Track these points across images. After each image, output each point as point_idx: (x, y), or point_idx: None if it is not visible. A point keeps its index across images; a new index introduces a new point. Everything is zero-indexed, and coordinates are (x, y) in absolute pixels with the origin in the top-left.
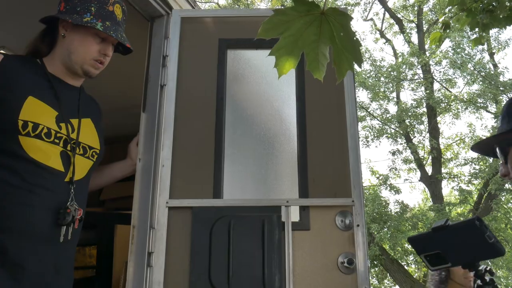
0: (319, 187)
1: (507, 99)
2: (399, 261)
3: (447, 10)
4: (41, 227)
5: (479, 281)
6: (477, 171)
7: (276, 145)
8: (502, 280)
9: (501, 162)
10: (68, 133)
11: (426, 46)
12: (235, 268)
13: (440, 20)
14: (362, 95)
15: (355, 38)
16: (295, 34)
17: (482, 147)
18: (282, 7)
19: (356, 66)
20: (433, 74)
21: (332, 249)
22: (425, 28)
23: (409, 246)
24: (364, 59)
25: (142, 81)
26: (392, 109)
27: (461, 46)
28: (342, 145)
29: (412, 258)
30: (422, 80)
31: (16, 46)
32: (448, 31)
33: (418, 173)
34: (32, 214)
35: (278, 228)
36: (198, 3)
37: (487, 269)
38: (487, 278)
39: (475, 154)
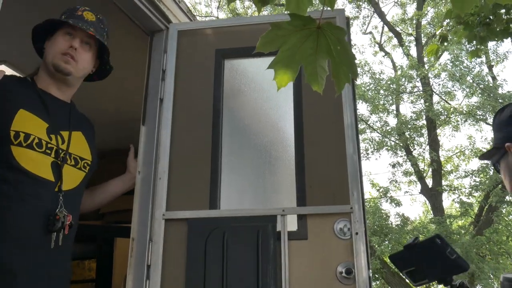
0: (316, 195)
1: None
2: (401, 274)
3: (445, 23)
4: (32, 235)
5: None
6: (478, 183)
7: (273, 154)
8: None
9: None
10: (58, 144)
11: (425, 59)
12: (230, 281)
13: (437, 32)
14: (362, 108)
15: (350, 52)
16: (293, 48)
17: (490, 156)
18: (279, 21)
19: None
20: (432, 87)
21: (330, 259)
22: (423, 41)
23: None
24: (363, 72)
25: (142, 95)
26: (392, 121)
27: (460, 58)
28: (340, 150)
29: None
30: (421, 92)
31: (17, 61)
32: (445, 43)
33: (419, 186)
34: (22, 222)
35: (273, 238)
36: (198, 17)
37: (462, 283)
38: None
39: (475, 167)
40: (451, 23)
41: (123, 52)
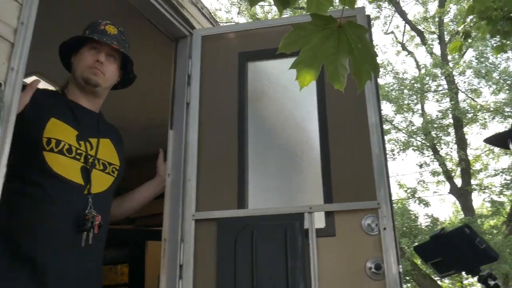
0: (343, 192)
1: None
2: (432, 276)
3: (468, 19)
4: (63, 235)
5: (483, 286)
6: (509, 181)
7: (298, 152)
8: None
9: None
10: (87, 150)
11: (449, 57)
12: (259, 279)
13: (460, 28)
14: (386, 108)
15: (372, 50)
16: (314, 48)
17: (496, 139)
18: (301, 22)
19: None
20: (457, 85)
21: (359, 255)
22: (447, 39)
23: None
24: (386, 72)
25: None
26: (417, 121)
27: (485, 55)
28: (365, 146)
29: None
30: (446, 91)
31: (47, 72)
32: (469, 40)
33: (447, 185)
34: (54, 223)
35: (301, 235)
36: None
37: (490, 274)
38: (491, 282)
39: (505, 164)
40: (474, 19)
41: (149, 58)
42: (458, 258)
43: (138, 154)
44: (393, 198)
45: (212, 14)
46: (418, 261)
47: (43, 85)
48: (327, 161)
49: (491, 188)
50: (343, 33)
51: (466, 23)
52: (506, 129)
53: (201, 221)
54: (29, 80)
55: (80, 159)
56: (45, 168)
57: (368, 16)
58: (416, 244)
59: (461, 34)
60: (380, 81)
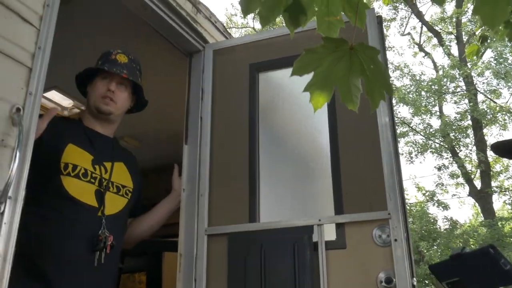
0: (353, 203)
1: None
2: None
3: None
4: (77, 255)
5: None
6: None
7: (309, 163)
8: None
9: None
10: (102, 173)
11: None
12: None
13: (477, 33)
14: (403, 111)
15: (384, 70)
16: (327, 70)
17: (503, 147)
18: (313, 47)
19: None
20: (476, 86)
21: (370, 268)
22: (465, 39)
23: None
24: (403, 75)
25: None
26: (435, 123)
27: (504, 55)
28: (376, 155)
29: None
30: (465, 92)
31: (66, 87)
32: (486, 43)
33: (467, 188)
34: (68, 244)
35: (309, 249)
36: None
37: None
38: None
39: None
40: None
41: (165, 71)
42: (478, 279)
43: (151, 164)
44: (411, 201)
45: (227, 20)
46: None
47: (60, 98)
48: (337, 171)
49: None
50: (355, 55)
51: (483, 27)
52: None
53: (213, 236)
54: (47, 94)
55: (94, 182)
56: (61, 191)
57: (380, 17)
58: (432, 263)
59: (478, 37)
60: (397, 83)
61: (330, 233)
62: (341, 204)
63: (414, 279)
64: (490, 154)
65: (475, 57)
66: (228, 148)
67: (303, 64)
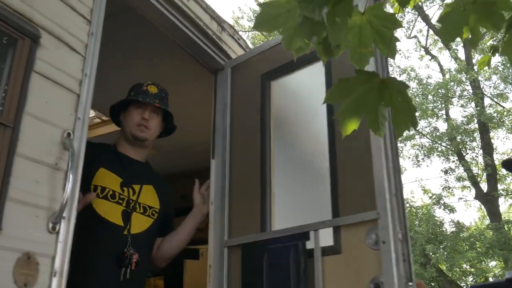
0: (348, 205)
1: None
2: (458, 282)
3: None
4: (104, 270)
5: None
6: None
7: (316, 167)
8: None
9: None
10: (129, 195)
11: (474, 61)
12: None
13: (488, 43)
14: None
15: (411, 104)
16: (357, 99)
17: None
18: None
19: None
20: (483, 89)
21: (364, 273)
22: None
23: (468, 266)
24: (410, 78)
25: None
26: (442, 126)
27: None
28: (367, 152)
29: (472, 279)
30: (471, 96)
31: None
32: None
33: (473, 191)
34: (96, 260)
35: (303, 256)
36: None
37: None
38: None
39: None
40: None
41: (190, 87)
42: None
43: (167, 172)
44: (418, 204)
45: (233, 23)
46: (444, 267)
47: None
48: (334, 174)
49: None
50: (385, 87)
51: (493, 38)
52: None
53: (232, 248)
54: None
55: (122, 203)
56: (91, 211)
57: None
58: (479, 283)
59: (489, 48)
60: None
61: (327, 239)
62: (337, 207)
63: (411, 283)
64: (497, 157)
65: (486, 67)
66: (243, 160)
67: (336, 93)
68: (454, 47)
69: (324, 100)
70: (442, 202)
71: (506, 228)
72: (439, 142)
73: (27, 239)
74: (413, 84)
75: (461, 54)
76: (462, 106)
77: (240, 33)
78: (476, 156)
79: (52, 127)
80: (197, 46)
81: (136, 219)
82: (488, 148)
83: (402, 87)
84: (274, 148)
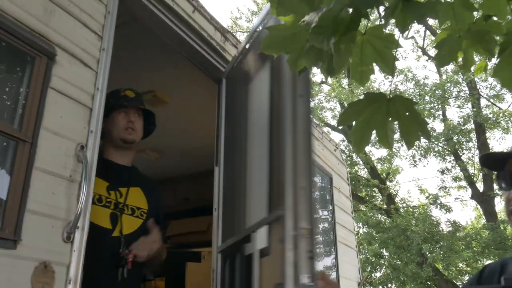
0: (275, 204)
1: None
2: (454, 281)
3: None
4: (103, 272)
5: None
6: None
7: (258, 172)
8: None
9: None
10: (117, 198)
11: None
12: None
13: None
14: None
15: (420, 118)
16: (367, 119)
17: (492, 159)
18: (356, 100)
19: None
20: (479, 90)
21: (273, 276)
22: None
23: (464, 266)
24: (407, 79)
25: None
26: (439, 127)
27: None
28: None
29: (467, 278)
30: (468, 97)
31: None
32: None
33: (469, 191)
34: (97, 262)
35: (240, 261)
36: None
37: None
38: None
39: None
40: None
41: (194, 94)
42: None
43: (168, 175)
44: (415, 204)
45: (232, 24)
46: (440, 267)
47: None
48: (268, 171)
49: None
50: (392, 105)
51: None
52: (507, 149)
53: (221, 252)
54: None
55: (110, 206)
56: None
57: None
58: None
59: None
60: (401, 87)
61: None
62: (270, 205)
63: (314, 284)
64: None
65: (483, 72)
66: (229, 166)
67: (348, 115)
68: None
69: (337, 123)
70: (438, 202)
71: (502, 228)
72: (436, 143)
73: (44, 249)
74: (410, 85)
75: None
76: (458, 107)
77: (238, 33)
78: (472, 156)
79: (67, 141)
80: (201, 56)
81: (126, 220)
82: (484, 149)
83: (409, 104)
84: (252, 151)
